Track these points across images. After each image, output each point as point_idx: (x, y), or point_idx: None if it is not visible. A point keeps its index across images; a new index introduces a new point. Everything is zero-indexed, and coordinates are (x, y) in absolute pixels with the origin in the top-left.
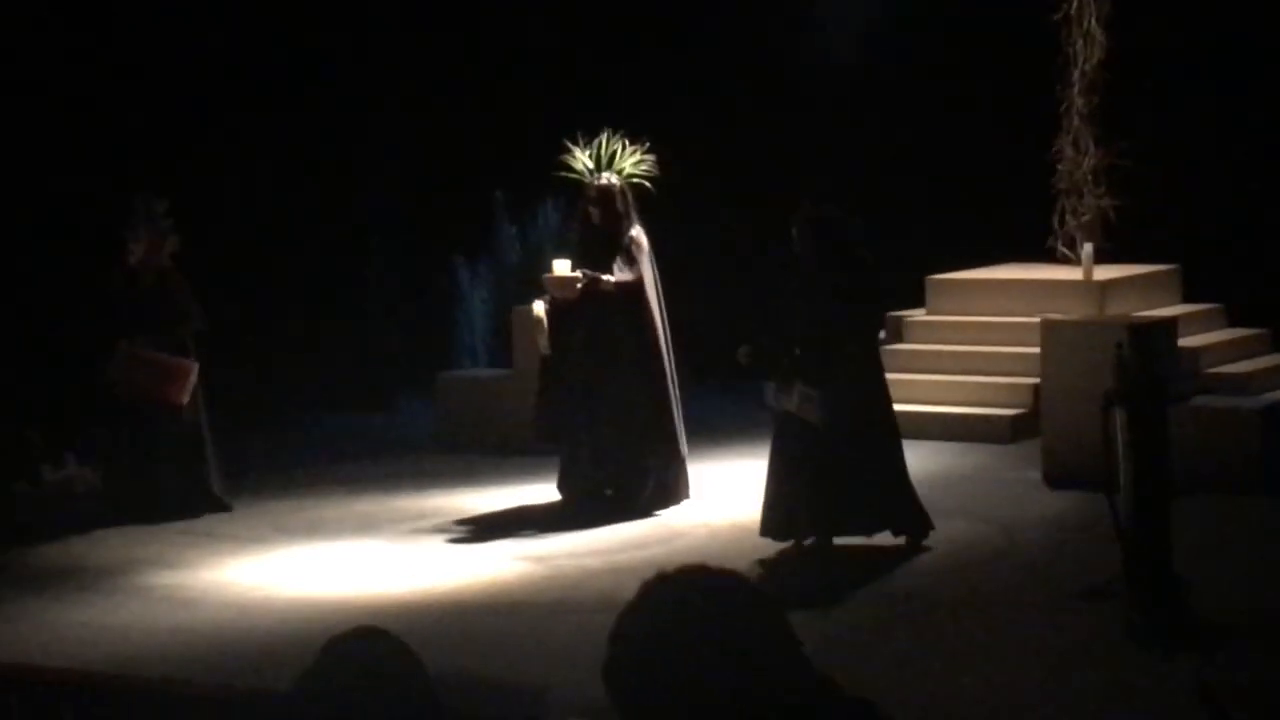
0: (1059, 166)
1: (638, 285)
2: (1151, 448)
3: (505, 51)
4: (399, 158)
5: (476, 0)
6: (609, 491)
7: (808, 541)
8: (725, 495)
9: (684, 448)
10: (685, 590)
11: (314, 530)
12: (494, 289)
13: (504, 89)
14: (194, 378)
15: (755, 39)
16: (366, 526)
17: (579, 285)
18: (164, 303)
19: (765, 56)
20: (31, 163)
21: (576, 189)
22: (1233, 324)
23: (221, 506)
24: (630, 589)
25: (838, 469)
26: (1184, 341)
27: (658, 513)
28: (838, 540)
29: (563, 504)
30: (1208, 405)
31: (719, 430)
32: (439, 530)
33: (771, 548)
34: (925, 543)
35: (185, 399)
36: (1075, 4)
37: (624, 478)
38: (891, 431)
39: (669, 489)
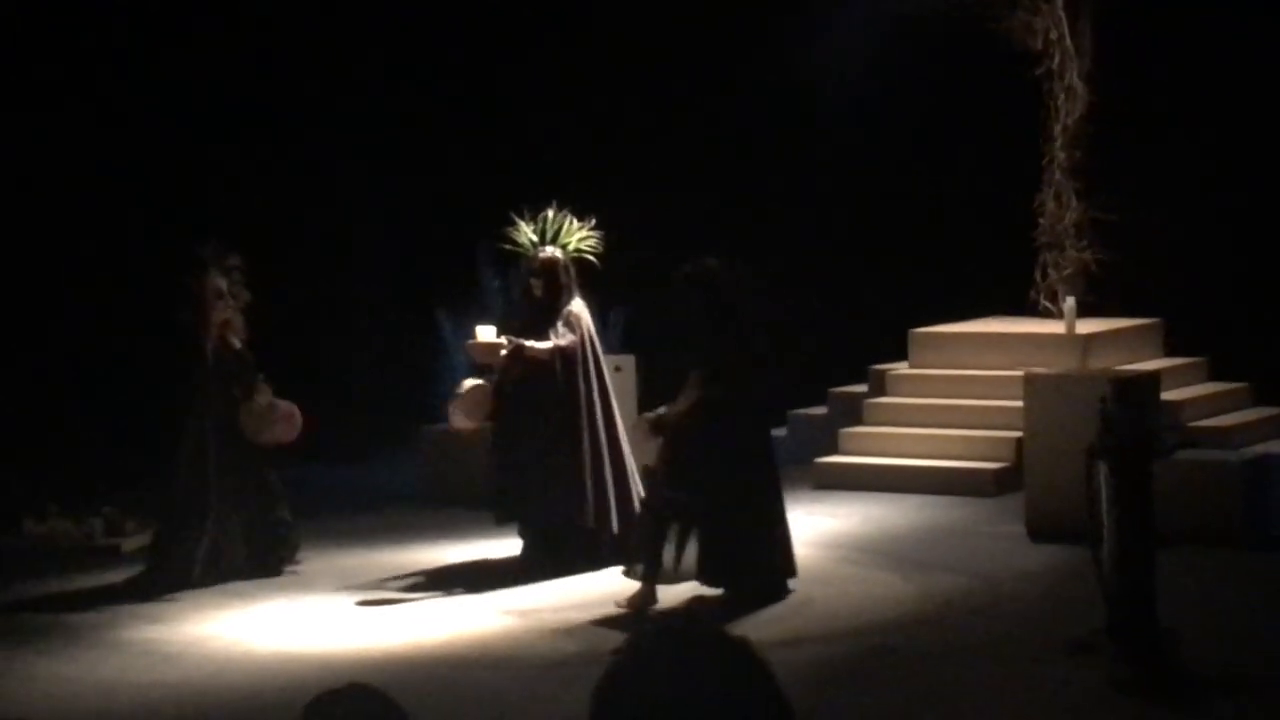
0: (1041, 220)
1: (571, 351)
2: (1134, 501)
3: (500, 102)
4: (384, 208)
5: (479, 50)
6: (523, 556)
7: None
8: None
9: (616, 518)
10: (668, 647)
11: (296, 584)
12: None
13: (494, 141)
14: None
15: (733, 89)
16: (349, 580)
17: (502, 351)
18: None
19: (743, 105)
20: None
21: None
22: (1214, 378)
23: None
24: (614, 641)
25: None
26: (1166, 395)
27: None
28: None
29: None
30: (1190, 459)
31: None
32: (422, 584)
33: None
34: (911, 593)
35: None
36: (1057, 59)
37: (538, 544)
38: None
39: (588, 557)
